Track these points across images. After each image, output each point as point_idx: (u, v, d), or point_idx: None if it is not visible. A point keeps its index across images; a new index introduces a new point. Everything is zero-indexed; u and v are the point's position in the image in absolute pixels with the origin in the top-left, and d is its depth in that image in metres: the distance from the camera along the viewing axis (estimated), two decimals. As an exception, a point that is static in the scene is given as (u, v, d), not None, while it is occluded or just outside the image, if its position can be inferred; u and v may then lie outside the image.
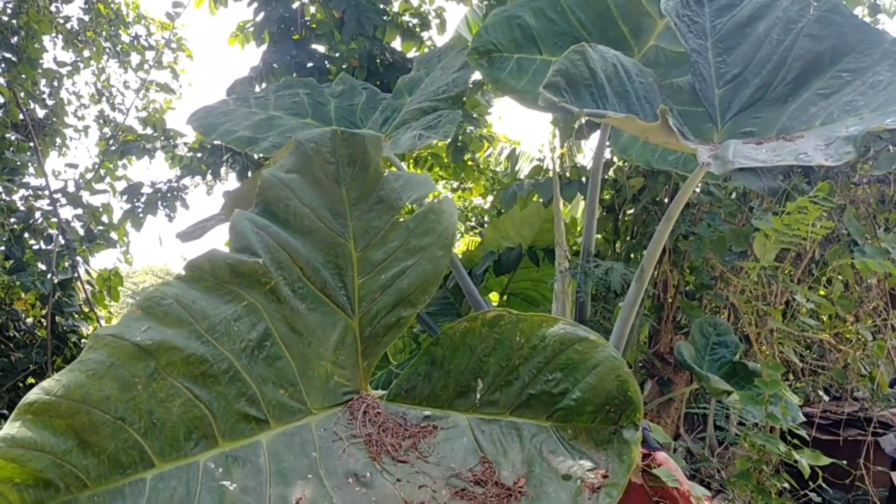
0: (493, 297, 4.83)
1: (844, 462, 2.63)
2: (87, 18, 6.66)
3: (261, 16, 5.22)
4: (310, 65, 5.08)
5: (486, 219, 7.54)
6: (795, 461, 2.26)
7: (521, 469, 1.58)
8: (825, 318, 3.41)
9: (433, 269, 1.90)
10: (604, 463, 1.53)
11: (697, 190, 3.36)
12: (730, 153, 1.89)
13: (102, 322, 5.96)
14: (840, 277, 3.33)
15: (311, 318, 1.85)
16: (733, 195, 3.59)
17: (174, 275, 1.82)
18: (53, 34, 6.46)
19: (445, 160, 5.79)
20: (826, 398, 3.49)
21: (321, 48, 5.28)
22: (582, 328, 1.68)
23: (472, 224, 7.93)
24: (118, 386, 1.52)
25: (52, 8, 6.26)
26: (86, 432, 1.46)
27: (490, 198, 7.44)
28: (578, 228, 4.69)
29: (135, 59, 7.23)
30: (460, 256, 4.61)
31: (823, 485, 2.49)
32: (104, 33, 6.82)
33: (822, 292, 3.53)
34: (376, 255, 1.95)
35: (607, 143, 3.13)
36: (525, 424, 1.66)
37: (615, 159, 3.87)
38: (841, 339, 3.31)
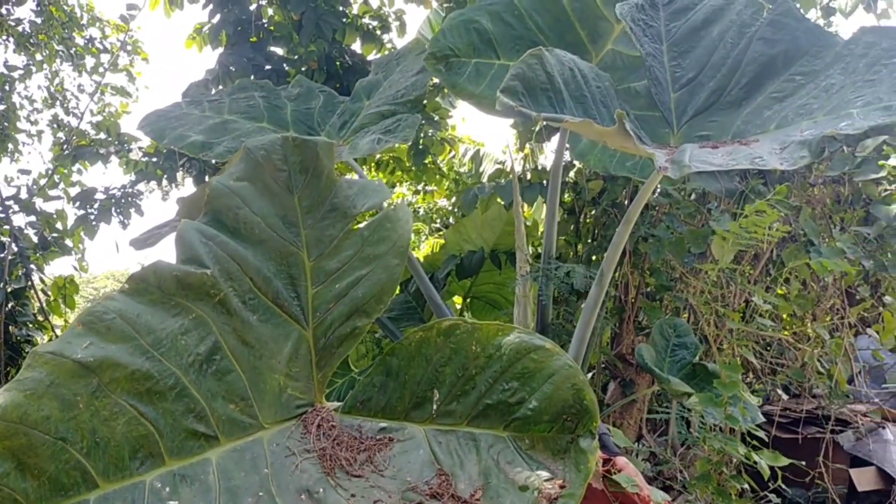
0: (457, 300, 4.81)
1: (804, 463, 2.65)
2: (39, 21, 6.51)
3: (217, 18, 5.13)
4: (268, 67, 5.02)
5: (451, 220, 7.53)
6: (755, 462, 2.26)
7: (477, 481, 1.55)
8: (784, 317, 3.44)
9: (388, 278, 1.87)
10: (561, 473, 1.51)
11: (656, 192, 3.37)
12: (686, 157, 1.89)
13: (58, 331, 5.82)
14: (797, 276, 3.36)
15: (262, 330, 1.80)
16: (692, 196, 3.61)
17: (118, 288, 1.75)
18: (4, 37, 6.31)
19: (407, 163, 5.76)
20: (785, 396, 3.53)
21: (279, 51, 5.22)
22: (538, 337, 1.66)
23: (437, 226, 7.91)
24: (58, 405, 1.47)
25: (3, 10, 6.11)
26: (24, 454, 1.40)
27: (455, 199, 7.44)
28: (540, 231, 4.69)
29: (89, 62, 7.09)
30: (422, 260, 4.58)
31: (783, 484, 2.50)
32: (57, 36, 6.66)
33: (780, 291, 3.57)
34: (330, 264, 1.91)
35: (566, 146, 3.12)
36: (482, 435, 1.63)
37: (575, 162, 3.88)
38: (799, 338, 3.34)
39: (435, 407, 1.69)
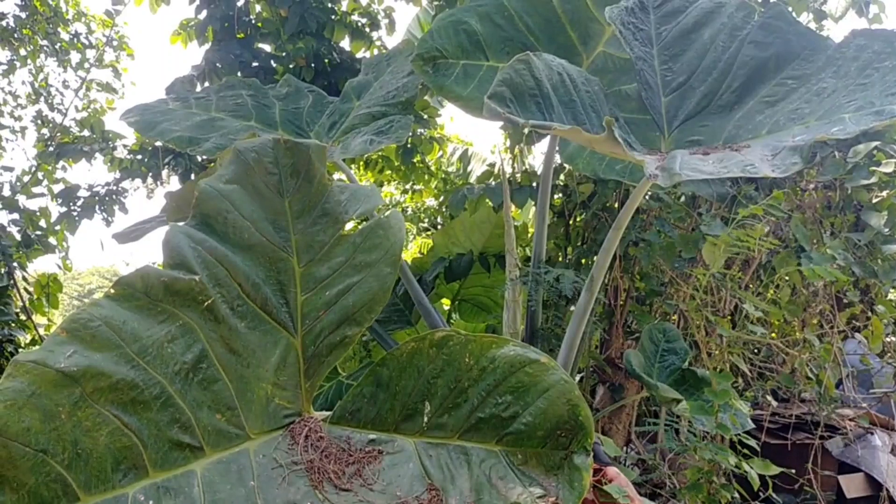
0: (445, 302, 4.78)
1: (793, 471, 2.64)
2: (23, 15, 6.41)
3: (203, 13, 5.08)
4: (255, 64, 4.96)
5: (439, 220, 7.50)
6: (745, 472, 2.25)
7: (469, 497, 1.52)
8: (773, 322, 3.44)
9: (380, 287, 1.83)
10: (554, 490, 1.48)
11: (647, 196, 3.35)
12: (676, 165, 1.86)
13: (41, 330, 5.76)
14: (787, 282, 3.36)
15: (250, 338, 1.76)
16: (682, 199, 3.60)
17: (103, 293, 1.71)
18: (-13, 32, 6.21)
19: (396, 163, 5.72)
20: (774, 402, 3.52)
21: (267, 47, 5.16)
22: (532, 350, 1.63)
23: (425, 226, 7.88)
24: (40, 416, 1.42)
25: (-14, 4, 6.02)
26: (3, 467, 1.35)
27: (443, 199, 7.41)
28: (529, 234, 4.67)
29: (74, 57, 6.99)
30: (410, 263, 4.55)
31: (772, 492, 2.49)
32: (41, 31, 6.56)
33: (770, 295, 3.56)
34: (321, 270, 1.87)
35: (556, 149, 3.10)
36: (474, 449, 1.60)
37: (565, 164, 3.85)
38: (788, 343, 3.34)
39: (426, 419, 1.66)
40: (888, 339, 3.52)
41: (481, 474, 1.55)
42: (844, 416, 3.56)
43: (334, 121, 3.23)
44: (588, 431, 1.53)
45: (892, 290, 3.58)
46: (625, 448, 3.61)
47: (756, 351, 3.66)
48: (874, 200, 3.20)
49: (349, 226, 1.96)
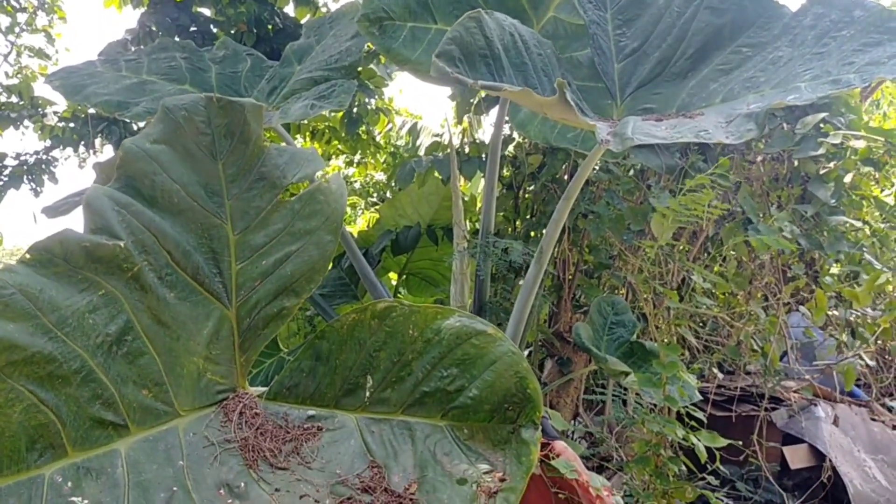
0: (392, 276, 4.69)
1: (740, 442, 2.64)
2: (-53, -26, 6.05)
3: (140, -26, 4.85)
4: (193, 29, 4.76)
5: (388, 194, 7.39)
6: (693, 444, 2.23)
7: (413, 473, 1.45)
8: (719, 295, 3.44)
9: (320, 255, 1.73)
10: (501, 465, 1.42)
11: (596, 168, 3.30)
12: (629, 130, 1.80)
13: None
14: (734, 254, 3.35)
15: (180, 309, 1.65)
16: (631, 172, 3.56)
17: (18, 259, 1.57)
18: None
19: (343, 133, 5.58)
20: (720, 374, 3.53)
21: (206, 11, 4.95)
22: (479, 321, 1.56)
23: (374, 200, 7.77)
24: (-54, 392, 1.30)
25: None
26: None
27: (392, 173, 7.30)
28: (478, 206, 4.60)
29: (3, 21, 6.64)
30: (356, 236, 4.44)
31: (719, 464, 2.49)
32: (-33, -7, 6.21)
33: (717, 269, 3.56)
34: (257, 238, 1.77)
35: (506, 119, 3.02)
36: (418, 424, 1.53)
37: (515, 136, 3.78)
38: (734, 316, 3.34)
39: (368, 394, 1.58)
40: (831, 313, 3.56)
41: (426, 450, 1.48)
42: (788, 388, 3.59)
43: (274, 86, 3.09)
44: (536, 405, 1.47)
45: (835, 265, 3.60)
46: (572, 421, 3.59)
47: (702, 324, 3.66)
48: (821, 172, 3.20)
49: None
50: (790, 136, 3.07)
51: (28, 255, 1.52)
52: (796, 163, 3.29)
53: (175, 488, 1.41)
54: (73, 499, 1.35)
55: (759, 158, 3.44)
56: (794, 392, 3.58)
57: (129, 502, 1.36)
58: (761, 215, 3.18)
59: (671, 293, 2.54)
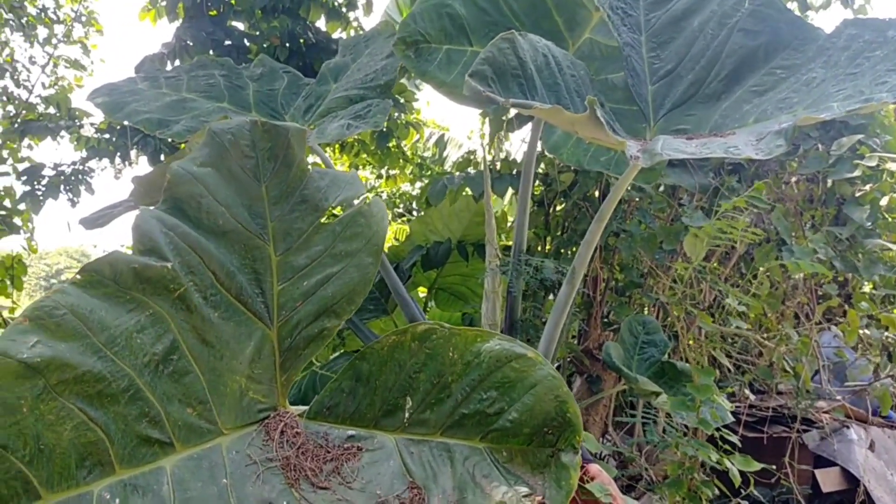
0: (422, 290, 4.72)
1: (774, 467, 2.63)
2: (-13, -11, 6.20)
3: (174, -11, 4.93)
4: (227, 43, 4.83)
5: (414, 205, 7.43)
6: (726, 468, 2.23)
7: (452, 496, 1.46)
8: (750, 315, 3.43)
9: (361, 278, 1.76)
10: (541, 488, 1.44)
11: (629, 186, 3.31)
12: (658, 146, 1.81)
13: (4, 313, 5.61)
14: (767, 274, 3.34)
15: (224, 329, 1.68)
16: (662, 190, 3.57)
17: (69, 280, 1.62)
18: (-50, 5, 5.99)
19: (372, 147, 5.64)
20: (752, 396, 3.52)
21: (240, 26, 5.03)
22: (519, 344, 1.58)
23: (401, 211, 7.80)
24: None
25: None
26: (-41, 463, 1.27)
27: (419, 184, 7.34)
28: (508, 222, 4.62)
29: (42, 32, 6.78)
30: (386, 250, 4.48)
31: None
32: (7, 4, 6.35)
33: (751, 288, 3.54)
34: (298, 259, 1.80)
35: (539, 137, 3.04)
36: (457, 446, 1.54)
37: (546, 153, 3.80)
38: (766, 336, 3.33)
39: (407, 415, 1.60)
40: (863, 332, 3.53)
41: (465, 472, 1.50)
42: (819, 408, 3.57)
43: (310, 104, 3.14)
44: (576, 428, 1.48)
45: (867, 284, 3.58)
46: (601, 440, 3.59)
47: (734, 343, 3.65)
48: (857, 194, 3.18)
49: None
50: (825, 158, 3.06)
51: (79, 277, 1.56)
52: (831, 184, 3.27)
53: (220, 506, 1.44)
54: (121, 515, 1.38)
55: (794, 179, 3.43)
56: (826, 413, 3.55)
57: (175, 519, 1.40)
58: (795, 236, 3.17)
59: (704, 315, 2.54)
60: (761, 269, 3.03)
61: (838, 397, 3.53)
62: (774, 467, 2.77)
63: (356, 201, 1.87)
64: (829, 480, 3.26)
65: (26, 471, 1.34)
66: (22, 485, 1.33)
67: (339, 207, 1.89)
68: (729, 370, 3.47)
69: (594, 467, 1.91)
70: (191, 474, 1.49)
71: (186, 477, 1.48)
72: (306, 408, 1.73)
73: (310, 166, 1.90)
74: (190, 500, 1.44)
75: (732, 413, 2.86)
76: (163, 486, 1.45)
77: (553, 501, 1.41)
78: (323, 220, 1.83)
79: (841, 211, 3.21)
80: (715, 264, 3.34)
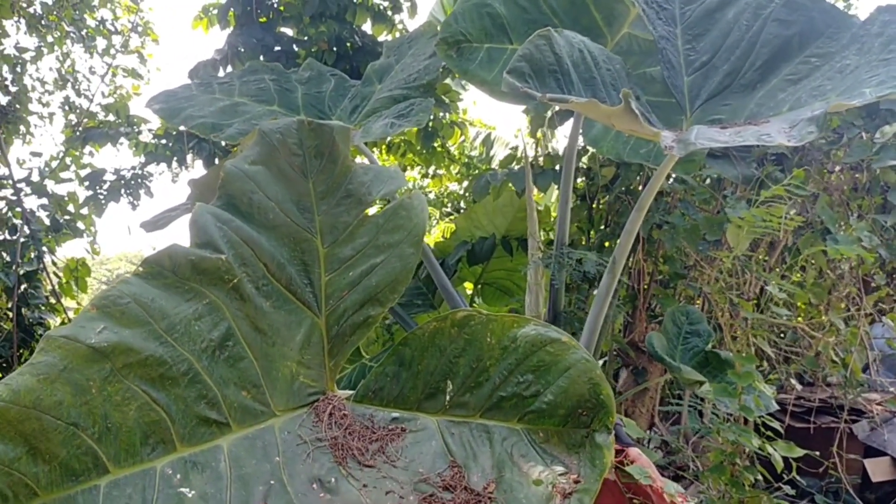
0: (468, 286, 4.79)
1: (818, 453, 2.62)
2: (50, 2, 6.47)
3: (225, -2, 5.10)
4: (277, 48, 4.97)
5: (462, 204, 7.49)
6: (769, 454, 2.24)
7: (491, 473, 1.54)
8: (799, 305, 3.41)
9: (403, 267, 1.85)
10: (576, 467, 1.49)
11: (671, 179, 3.33)
12: (692, 136, 1.85)
13: (70, 314, 5.85)
14: (813, 264, 3.32)
15: (275, 317, 1.78)
16: (706, 182, 3.57)
17: (132, 270, 1.74)
18: (15, 18, 6.26)
19: (418, 147, 5.72)
20: (799, 386, 3.50)
21: (289, 31, 5.17)
22: (554, 329, 1.64)
23: (448, 210, 7.87)
24: (71, 390, 1.45)
25: (14, -9, 6.07)
26: (36, 439, 1.39)
27: (466, 183, 7.39)
28: (552, 217, 4.65)
29: (100, 43, 7.04)
30: (433, 247, 4.56)
31: (796, 475, 2.48)
32: (68, 17, 6.62)
33: (796, 278, 3.52)
34: (344, 251, 1.89)
35: (580, 132, 3.09)
36: (495, 427, 1.62)
37: (588, 147, 3.83)
38: (814, 327, 3.31)
39: (448, 398, 1.68)
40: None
41: (503, 452, 1.57)
42: (871, 400, 3.52)
43: (356, 104, 3.23)
44: (609, 410, 1.54)
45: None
46: (648, 431, 3.60)
47: (781, 334, 3.63)
48: (902, 182, 3.15)
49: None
50: (869, 146, 3.04)
51: (141, 268, 1.68)
52: (876, 172, 3.24)
53: (272, 482, 1.54)
54: (182, 490, 1.49)
55: (838, 168, 3.40)
56: (878, 404, 3.50)
57: (231, 494, 1.50)
58: (840, 225, 3.15)
59: (747, 304, 2.56)
60: (806, 258, 3.02)
61: (891, 389, 3.48)
62: (822, 455, 2.76)
63: (397, 195, 1.96)
64: (879, 470, 3.22)
65: (95, 447, 1.45)
66: (92, 460, 1.45)
67: (382, 200, 1.97)
68: (776, 361, 3.46)
69: (634, 451, 1.95)
70: (246, 452, 1.60)
71: (242, 455, 1.59)
72: (353, 392, 1.82)
73: (355, 162, 1.99)
74: (245, 476, 1.54)
75: (780, 403, 2.87)
76: (220, 463, 1.55)
77: (588, 479, 1.47)
78: (367, 213, 1.92)
79: (887, 199, 3.17)
80: (761, 253, 3.33)
